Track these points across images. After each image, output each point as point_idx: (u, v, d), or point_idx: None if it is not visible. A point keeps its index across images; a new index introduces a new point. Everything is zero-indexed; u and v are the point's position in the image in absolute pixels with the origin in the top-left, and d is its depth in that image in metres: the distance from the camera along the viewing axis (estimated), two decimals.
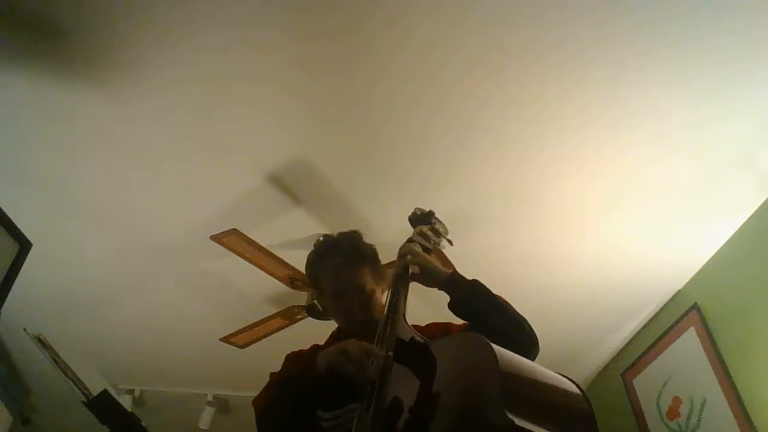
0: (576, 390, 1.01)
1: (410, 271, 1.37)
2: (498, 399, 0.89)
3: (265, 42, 1.98)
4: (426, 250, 1.49)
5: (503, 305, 1.35)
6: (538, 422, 0.87)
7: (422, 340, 1.18)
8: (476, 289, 1.35)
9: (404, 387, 1.07)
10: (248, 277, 2.84)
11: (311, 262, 1.54)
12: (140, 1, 1.85)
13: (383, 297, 1.46)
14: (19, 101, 2.16)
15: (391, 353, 1.12)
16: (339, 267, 1.46)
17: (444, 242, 1.58)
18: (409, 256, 1.39)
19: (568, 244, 2.79)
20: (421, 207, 1.62)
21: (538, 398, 0.98)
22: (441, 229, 1.58)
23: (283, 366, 1.45)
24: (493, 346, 0.98)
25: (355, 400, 1.11)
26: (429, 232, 1.53)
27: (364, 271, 1.45)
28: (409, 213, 1.64)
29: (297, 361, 1.42)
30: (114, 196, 2.58)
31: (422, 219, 1.59)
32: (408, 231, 1.58)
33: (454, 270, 1.39)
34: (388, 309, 1.27)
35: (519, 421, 0.85)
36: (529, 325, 1.32)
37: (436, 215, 1.61)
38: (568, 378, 1.04)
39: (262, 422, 1.30)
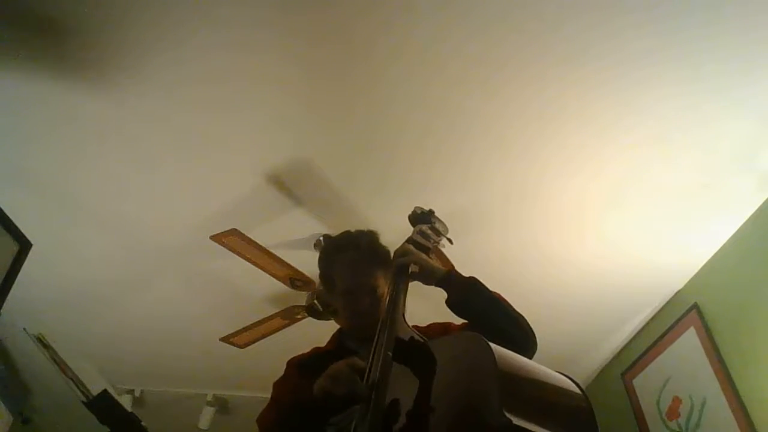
0: (575, 388, 1.01)
1: (409, 270, 1.37)
2: (496, 398, 0.89)
3: (265, 42, 1.98)
4: (426, 248, 1.49)
5: (500, 302, 1.35)
6: (536, 421, 0.87)
7: (421, 340, 1.18)
8: (474, 286, 1.35)
9: (403, 387, 1.07)
10: (248, 277, 2.84)
11: (326, 254, 1.54)
12: (141, 1, 1.85)
13: None
14: (20, 101, 2.16)
15: (390, 353, 1.12)
16: (355, 264, 1.45)
17: (444, 241, 1.58)
18: (405, 257, 1.38)
19: (568, 244, 2.79)
20: (421, 206, 1.62)
21: (536, 397, 0.98)
22: (441, 228, 1.58)
23: (283, 376, 1.44)
24: (492, 345, 0.98)
25: (357, 402, 1.11)
26: (429, 231, 1.53)
27: (378, 273, 1.45)
28: (410, 212, 1.64)
29: (297, 377, 1.39)
30: (114, 196, 2.58)
31: (422, 218, 1.59)
32: (408, 230, 1.58)
33: (452, 267, 1.39)
34: (387, 309, 1.27)
35: (517, 421, 0.85)
36: (526, 322, 1.32)
37: (435, 214, 1.60)
38: (567, 376, 1.04)
39: None
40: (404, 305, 1.29)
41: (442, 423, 0.97)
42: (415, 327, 1.31)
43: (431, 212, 1.60)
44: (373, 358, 1.13)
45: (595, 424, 0.97)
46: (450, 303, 1.35)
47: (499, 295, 1.36)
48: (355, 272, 1.45)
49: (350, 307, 1.45)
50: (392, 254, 1.44)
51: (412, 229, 1.59)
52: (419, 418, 1.01)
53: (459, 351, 1.10)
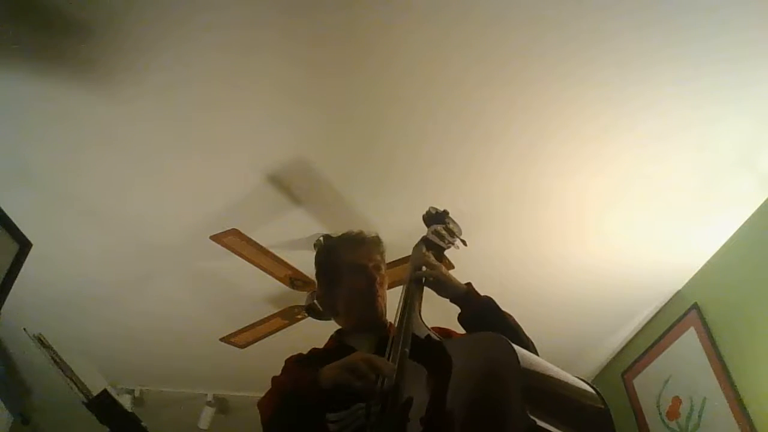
0: (592, 391, 1.00)
1: (423, 280, 1.36)
2: (519, 398, 0.88)
3: (265, 42, 1.98)
4: (440, 248, 1.50)
5: (512, 326, 1.32)
6: (557, 423, 0.86)
7: (438, 339, 1.18)
8: (489, 307, 1.34)
9: (420, 386, 1.05)
10: (248, 277, 2.84)
11: (328, 247, 1.56)
12: (141, 1, 1.85)
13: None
14: (20, 101, 2.16)
15: (407, 350, 1.11)
16: (360, 239, 1.51)
17: (458, 242, 1.58)
18: (425, 268, 1.36)
19: (568, 244, 2.79)
20: (435, 206, 1.62)
21: (558, 398, 0.97)
22: (455, 229, 1.57)
23: (282, 371, 1.42)
24: (513, 345, 0.97)
25: (362, 399, 1.11)
26: (444, 232, 1.53)
27: (382, 253, 1.51)
28: (411, 212, 1.63)
29: (297, 370, 1.37)
30: (114, 196, 2.58)
31: (436, 218, 1.58)
32: (409, 230, 1.58)
33: (470, 285, 1.38)
34: (403, 306, 1.27)
35: (540, 422, 0.83)
36: (534, 348, 1.31)
37: (450, 215, 1.60)
38: (582, 380, 1.03)
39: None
40: (420, 304, 1.29)
41: (461, 423, 0.96)
42: None
43: (446, 213, 1.60)
44: (389, 357, 1.12)
45: (612, 425, 0.96)
46: (462, 320, 1.34)
47: (512, 318, 1.35)
48: (362, 245, 1.49)
49: (373, 293, 1.43)
50: (410, 260, 1.43)
51: (412, 228, 1.59)
52: (437, 417, 0.99)
53: (479, 350, 1.09)
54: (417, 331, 1.19)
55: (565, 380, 1.00)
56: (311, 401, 1.12)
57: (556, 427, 0.85)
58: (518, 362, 0.92)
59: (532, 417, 0.83)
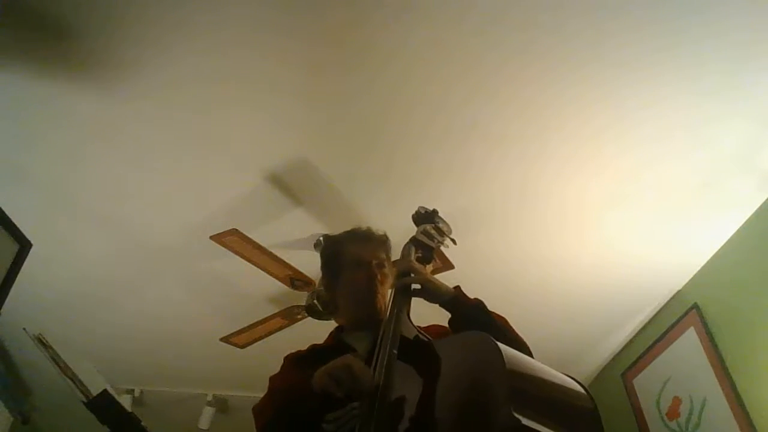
0: (580, 389, 1.01)
1: (412, 287, 1.35)
2: (505, 398, 0.88)
3: (265, 42, 1.99)
4: (429, 248, 1.50)
5: (500, 328, 1.31)
6: (543, 422, 0.86)
7: (426, 339, 1.18)
8: (478, 310, 1.33)
9: (408, 386, 1.06)
10: (248, 277, 2.84)
11: (334, 239, 1.57)
12: (140, 1, 1.85)
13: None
14: (19, 101, 2.16)
15: (396, 351, 1.12)
16: (367, 237, 1.52)
17: (447, 241, 1.58)
18: (412, 275, 1.35)
19: (567, 244, 2.79)
20: (425, 206, 1.62)
21: (543, 397, 0.97)
22: (444, 228, 1.58)
23: (281, 370, 1.43)
24: (499, 344, 0.97)
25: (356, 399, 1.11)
26: (433, 231, 1.54)
27: (386, 252, 1.54)
28: (411, 212, 1.63)
29: (294, 373, 1.37)
30: (114, 196, 2.58)
31: (426, 217, 1.59)
32: (408, 230, 1.58)
33: (459, 289, 1.37)
34: (391, 309, 1.27)
35: (525, 421, 0.84)
36: (528, 349, 1.29)
37: (439, 214, 1.60)
38: (572, 378, 1.03)
39: None
40: (409, 305, 1.29)
41: (448, 422, 0.96)
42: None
43: (435, 212, 1.60)
44: (377, 359, 1.12)
45: (600, 424, 0.96)
46: (452, 324, 1.34)
47: (504, 319, 1.34)
48: (368, 242, 1.51)
49: (373, 290, 1.44)
50: (397, 263, 1.43)
51: (412, 228, 1.59)
52: (425, 417, 1.00)
53: (465, 350, 1.09)
54: (405, 332, 1.19)
55: (552, 379, 1.00)
56: (305, 410, 1.13)
57: (543, 425, 0.85)
58: (503, 361, 0.93)
59: (517, 416, 0.83)
